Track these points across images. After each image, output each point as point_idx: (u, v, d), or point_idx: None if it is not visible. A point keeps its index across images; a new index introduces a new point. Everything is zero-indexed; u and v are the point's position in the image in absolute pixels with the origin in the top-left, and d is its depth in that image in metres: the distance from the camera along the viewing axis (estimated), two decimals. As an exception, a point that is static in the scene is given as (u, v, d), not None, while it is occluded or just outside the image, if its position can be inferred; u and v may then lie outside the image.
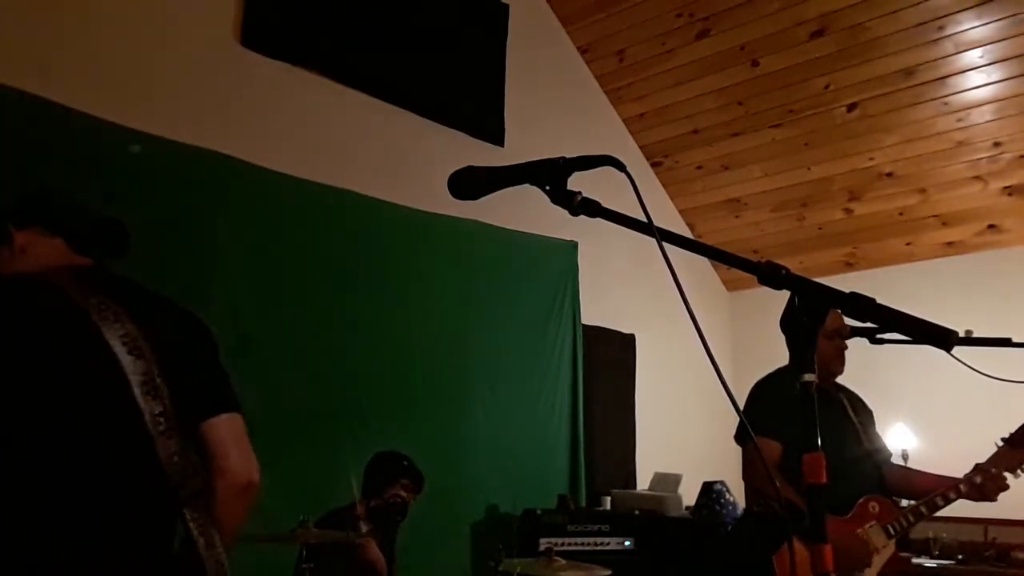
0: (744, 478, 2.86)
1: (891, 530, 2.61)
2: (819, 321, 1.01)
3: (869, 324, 1.00)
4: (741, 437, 2.73)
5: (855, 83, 5.03)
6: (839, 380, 2.88)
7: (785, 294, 1.04)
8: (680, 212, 6.38)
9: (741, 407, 1.15)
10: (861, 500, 2.64)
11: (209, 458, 1.55)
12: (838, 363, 2.78)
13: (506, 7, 5.09)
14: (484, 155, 4.66)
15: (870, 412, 2.91)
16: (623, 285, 5.56)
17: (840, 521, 2.58)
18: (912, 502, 2.71)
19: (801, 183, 5.73)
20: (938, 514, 2.65)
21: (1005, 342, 2.34)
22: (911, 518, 2.62)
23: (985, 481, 2.55)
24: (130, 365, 1.47)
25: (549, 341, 4.96)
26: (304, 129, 3.95)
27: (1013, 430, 2.63)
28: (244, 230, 3.57)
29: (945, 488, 2.60)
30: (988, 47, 4.58)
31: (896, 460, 3.11)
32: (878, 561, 2.58)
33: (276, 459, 3.46)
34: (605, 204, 1.14)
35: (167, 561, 1.49)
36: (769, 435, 2.57)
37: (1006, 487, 2.57)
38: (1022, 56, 4.55)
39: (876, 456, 2.83)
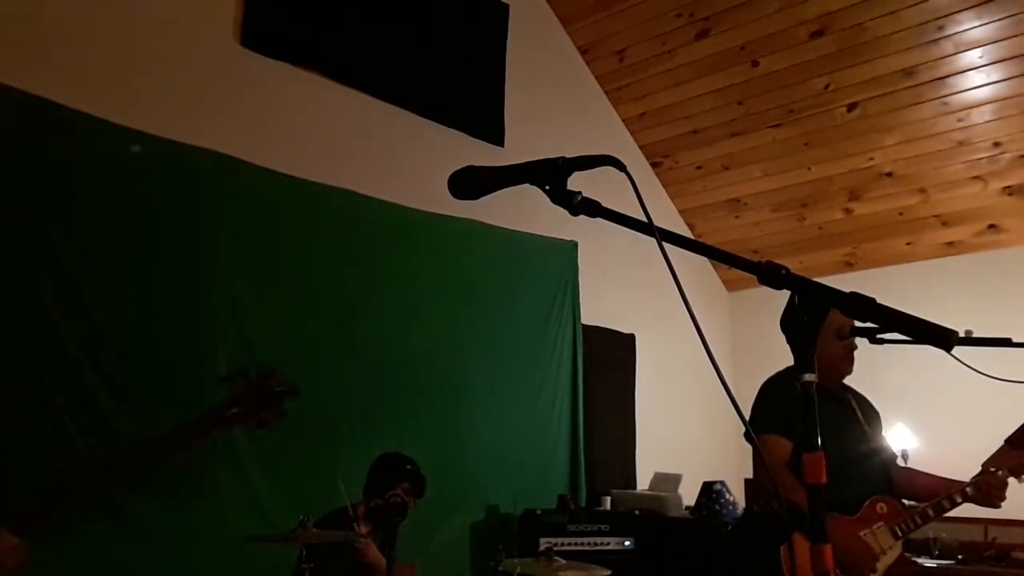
0: (756, 476, 2.86)
1: (898, 531, 2.61)
2: (819, 321, 1.01)
3: (869, 324, 1.00)
4: (750, 436, 2.73)
5: (855, 83, 5.03)
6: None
7: (785, 294, 1.04)
8: (680, 212, 6.38)
9: (741, 407, 1.15)
10: (869, 500, 2.64)
11: None
12: (847, 364, 2.77)
13: (506, 7, 5.09)
14: (484, 155, 4.66)
15: (877, 414, 2.91)
16: (623, 285, 5.56)
17: (848, 521, 2.58)
18: (917, 503, 2.71)
19: (801, 183, 5.73)
20: (938, 514, 2.66)
21: (1005, 342, 2.33)
22: (918, 520, 2.62)
23: (989, 485, 2.55)
24: None
25: (549, 341, 4.96)
26: (304, 129, 3.95)
27: (1013, 430, 2.63)
28: (244, 230, 3.57)
29: (952, 491, 2.60)
30: (988, 47, 4.58)
31: (896, 460, 3.10)
32: (884, 562, 2.58)
33: (277, 459, 3.49)
34: (605, 204, 1.14)
35: None
36: (779, 432, 2.58)
37: (1004, 496, 2.57)
38: (1022, 56, 4.55)
39: (882, 456, 2.83)
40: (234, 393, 1.75)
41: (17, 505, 1.50)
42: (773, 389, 2.77)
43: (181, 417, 3.18)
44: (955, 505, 2.59)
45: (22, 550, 1.49)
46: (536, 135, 5.00)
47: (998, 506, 2.57)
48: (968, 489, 2.58)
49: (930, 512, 2.61)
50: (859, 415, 2.80)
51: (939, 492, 2.62)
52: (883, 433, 2.93)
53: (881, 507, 2.65)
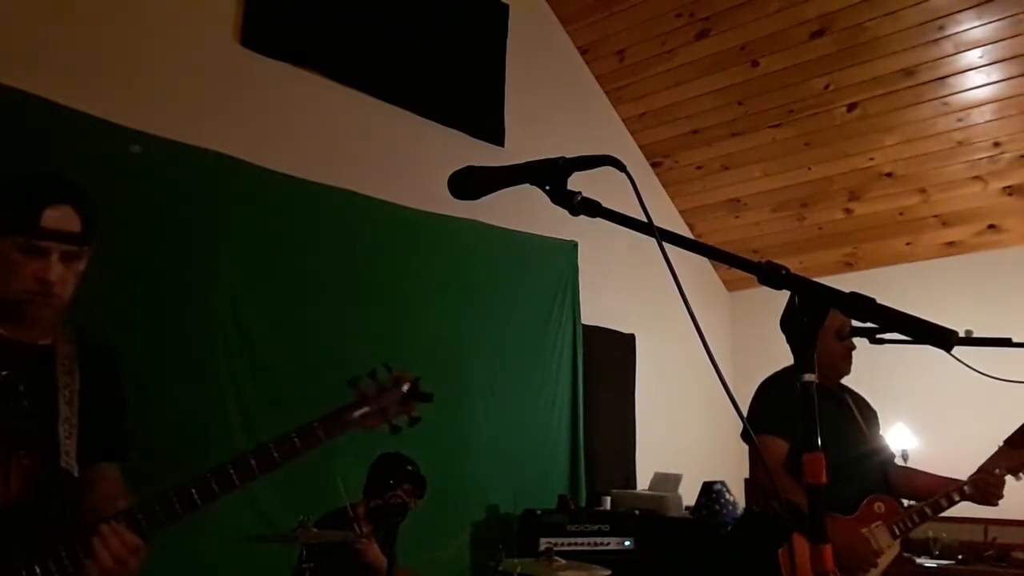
0: (751, 476, 2.86)
1: (896, 530, 2.62)
2: (819, 321, 1.01)
3: (869, 324, 1.00)
4: (748, 436, 2.73)
5: (855, 83, 5.03)
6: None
7: (785, 294, 1.04)
8: (680, 212, 6.38)
9: (742, 407, 1.15)
10: (867, 500, 2.65)
11: None
12: (846, 364, 2.78)
13: (506, 7, 5.09)
14: (484, 155, 4.66)
15: (874, 413, 2.92)
16: (623, 285, 5.56)
17: (846, 520, 2.58)
18: (915, 503, 2.71)
19: (801, 183, 5.73)
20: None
21: (1005, 342, 2.33)
22: (916, 519, 2.63)
23: (987, 484, 2.55)
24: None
25: (549, 341, 4.96)
26: (304, 129, 3.95)
27: (1013, 430, 2.63)
28: (244, 230, 3.57)
29: (949, 489, 2.60)
30: (988, 47, 4.58)
31: (896, 460, 3.11)
32: (883, 561, 2.58)
33: (276, 459, 3.48)
34: (605, 204, 1.14)
35: None
36: (776, 433, 2.58)
37: (1002, 495, 2.58)
38: (1022, 56, 4.55)
39: (880, 455, 2.83)
40: (362, 393, 1.70)
41: (143, 507, 1.47)
42: (771, 389, 2.77)
43: (180, 417, 3.20)
44: (953, 504, 2.60)
45: (144, 551, 1.44)
46: (536, 135, 5.00)
47: (995, 504, 2.58)
48: (966, 488, 2.59)
49: (928, 511, 2.61)
50: (857, 415, 2.80)
51: (937, 491, 2.62)
52: (881, 433, 2.94)
53: (879, 506, 2.65)
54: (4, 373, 1.48)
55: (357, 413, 1.69)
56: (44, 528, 1.44)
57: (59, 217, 1.49)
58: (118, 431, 1.68)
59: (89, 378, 1.59)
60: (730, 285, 6.73)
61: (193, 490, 1.52)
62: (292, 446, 1.63)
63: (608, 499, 4.86)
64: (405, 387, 1.71)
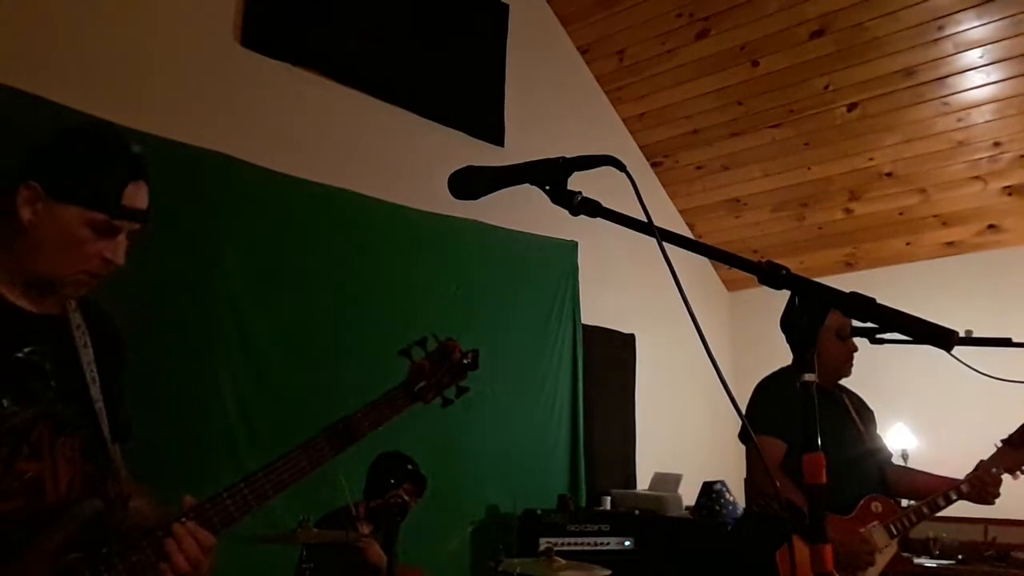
0: (748, 476, 2.87)
1: (893, 530, 2.62)
2: (819, 321, 1.01)
3: (869, 324, 1.01)
4: (745, 436, 2.73)
5: (855, 83, 5.03)
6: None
7: (785, 294, 1.04)
8: (680, 212, 6.38)
9: (741, 407, 1.15)
10: (864, 500, 2.65)
11: None
12: (848, 366, 2.78)
13: (506, 7, 5.09)
14: (484, 155, 4.66)
15: (871, 412, 2.92)
16: (623, 285, 5.56)
17: (843, 520, 2.58)
18: (913, 502, 2.71)
19: (801, 183, 5.73)
20: (938, 514, 2.66)
21: (1005, 342, 2.34)
22: (913, 518, 2.63)
23: (984, 483, 2.55)
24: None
25: (549, 341, 4.96)
26: (304, 129, 3.95)
27: (1013, 430, 2.63)
28: (244, 230, 3.57)
29: (946, 488, 2.60)
30: (988, 47, 4.58)
31: (896, 460, 3.11)
32: (881, 561, 2.58)
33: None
34: (605, 204, 1.14)
35: None
36: (773, 434, 2.58)
37: (998, 494, 2.58)
38: (1022, 56, 4.55)
39: (878, 456, 2.83)
40: (417, 365, 1.63)
41: (215, 502, 1.37)
42: (768, 390, 2.77)
43: (179, 416, 3.20)
44: (950, 503, 2.60)
45: (216, 551, 1.33)
46: (536, 135, 5.00)
47: (992, 503, 2.58)
48: (963, 486, 2.59)
49: (925, 510, 2.62)
50: (854, 415, 2.80)
51: (935, 490, 2.63)
52: (878, 432, 2.94)
53: (876, 506, 2.66)
54: (27, 350, 1.31)
55: (418, 387, 1.61)
56: (103, 526, 1.31)
57: (136, 194, 1.35)
58: (123, 407, 1.54)
59: (99, 350, 1.46)
60: (730, 285, 6.74)
61: (264, 479, 1.44)
62: (359, 426, 1.55)
63: (608, 499, 4.86)
64: (458, 357, 1.67)
